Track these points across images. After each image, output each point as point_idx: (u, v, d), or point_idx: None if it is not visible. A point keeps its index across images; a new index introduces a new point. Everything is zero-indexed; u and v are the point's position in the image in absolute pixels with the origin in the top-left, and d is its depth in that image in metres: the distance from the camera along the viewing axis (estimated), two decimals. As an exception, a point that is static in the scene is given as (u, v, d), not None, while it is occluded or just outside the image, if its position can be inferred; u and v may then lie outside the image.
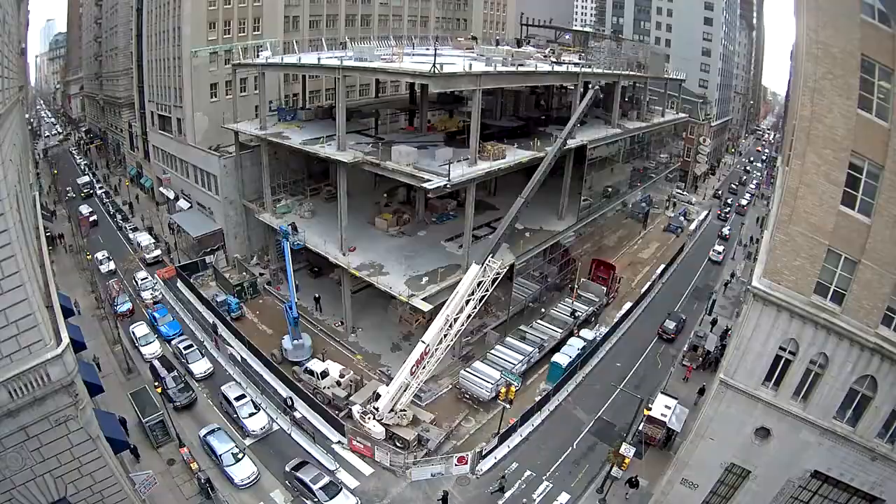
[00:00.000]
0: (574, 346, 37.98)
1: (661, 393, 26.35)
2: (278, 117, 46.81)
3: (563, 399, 35.00)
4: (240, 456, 28.56)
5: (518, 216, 30.58)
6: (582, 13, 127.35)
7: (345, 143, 36.77)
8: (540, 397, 33.92)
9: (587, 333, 40.09)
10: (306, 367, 34.48)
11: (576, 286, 45.71)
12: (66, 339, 17.82)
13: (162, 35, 54.26)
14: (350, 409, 31.57)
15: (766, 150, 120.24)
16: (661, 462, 28.67)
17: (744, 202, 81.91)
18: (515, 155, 36.66)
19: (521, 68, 37.36)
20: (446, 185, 31.08)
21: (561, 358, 36.48)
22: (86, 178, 72.02)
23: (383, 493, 27.94)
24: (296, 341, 36.69)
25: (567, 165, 43.00)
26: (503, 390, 30.67)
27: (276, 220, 42.88)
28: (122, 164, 77.21)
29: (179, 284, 45.37)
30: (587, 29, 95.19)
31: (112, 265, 49.32)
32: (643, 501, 27.35)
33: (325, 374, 33.57)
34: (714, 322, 44.69)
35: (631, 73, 53.11)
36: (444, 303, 30.15)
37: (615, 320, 43.02)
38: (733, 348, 20.98)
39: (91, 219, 59.29)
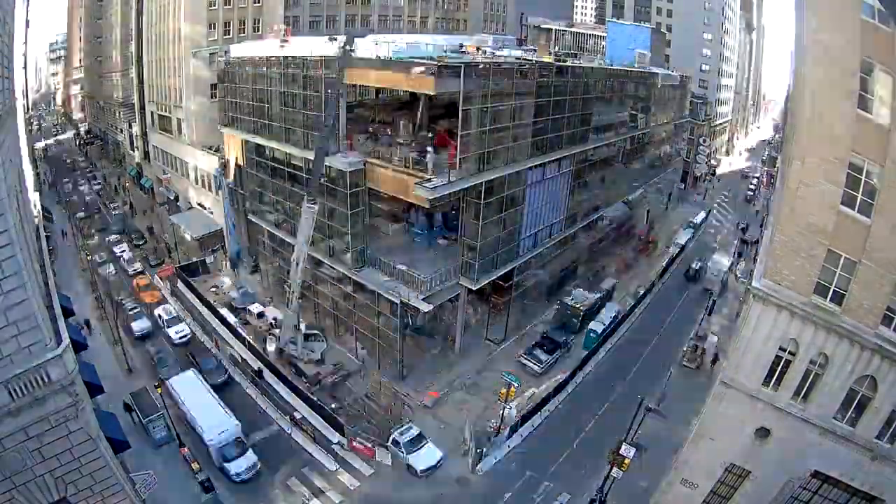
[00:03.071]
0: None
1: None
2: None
3: (563, 399, 35.01)
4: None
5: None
6: (582, 13, 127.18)
7: (344, 147, 36.49)
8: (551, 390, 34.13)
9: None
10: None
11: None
12: (66, 340, 17.84)
13: (162, 35, 54.29)
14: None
15: (766, 150, 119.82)
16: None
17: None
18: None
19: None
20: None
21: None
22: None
23: (384, 494, 27.90)
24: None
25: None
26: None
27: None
28: (122, 165, 77.20)
29: (180, 285, 45.41)
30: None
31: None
32: (643, 501, 27.33)
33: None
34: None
35: (634, 69, 53.23)
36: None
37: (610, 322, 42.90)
38: (733, 348, 20.99)
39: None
